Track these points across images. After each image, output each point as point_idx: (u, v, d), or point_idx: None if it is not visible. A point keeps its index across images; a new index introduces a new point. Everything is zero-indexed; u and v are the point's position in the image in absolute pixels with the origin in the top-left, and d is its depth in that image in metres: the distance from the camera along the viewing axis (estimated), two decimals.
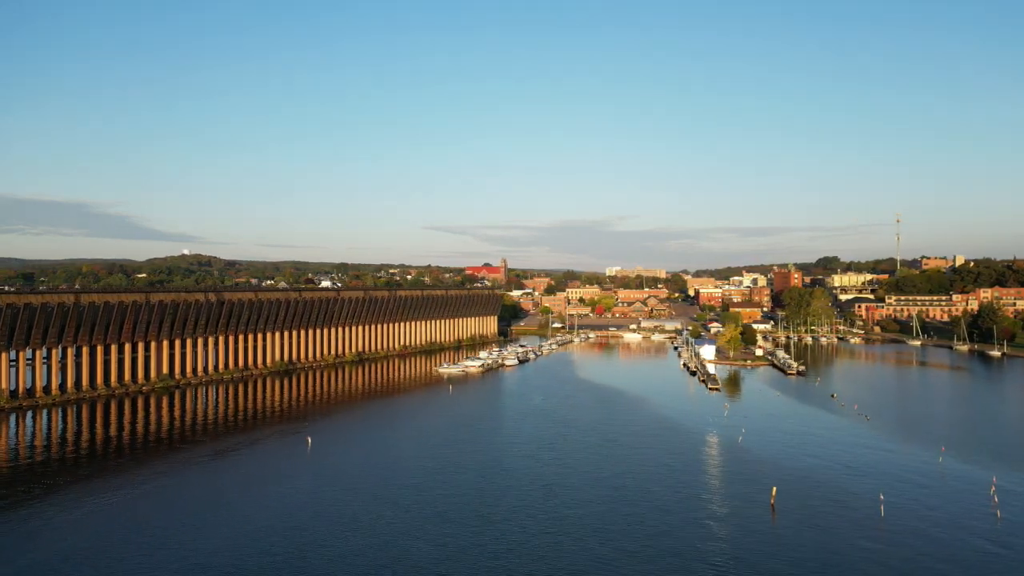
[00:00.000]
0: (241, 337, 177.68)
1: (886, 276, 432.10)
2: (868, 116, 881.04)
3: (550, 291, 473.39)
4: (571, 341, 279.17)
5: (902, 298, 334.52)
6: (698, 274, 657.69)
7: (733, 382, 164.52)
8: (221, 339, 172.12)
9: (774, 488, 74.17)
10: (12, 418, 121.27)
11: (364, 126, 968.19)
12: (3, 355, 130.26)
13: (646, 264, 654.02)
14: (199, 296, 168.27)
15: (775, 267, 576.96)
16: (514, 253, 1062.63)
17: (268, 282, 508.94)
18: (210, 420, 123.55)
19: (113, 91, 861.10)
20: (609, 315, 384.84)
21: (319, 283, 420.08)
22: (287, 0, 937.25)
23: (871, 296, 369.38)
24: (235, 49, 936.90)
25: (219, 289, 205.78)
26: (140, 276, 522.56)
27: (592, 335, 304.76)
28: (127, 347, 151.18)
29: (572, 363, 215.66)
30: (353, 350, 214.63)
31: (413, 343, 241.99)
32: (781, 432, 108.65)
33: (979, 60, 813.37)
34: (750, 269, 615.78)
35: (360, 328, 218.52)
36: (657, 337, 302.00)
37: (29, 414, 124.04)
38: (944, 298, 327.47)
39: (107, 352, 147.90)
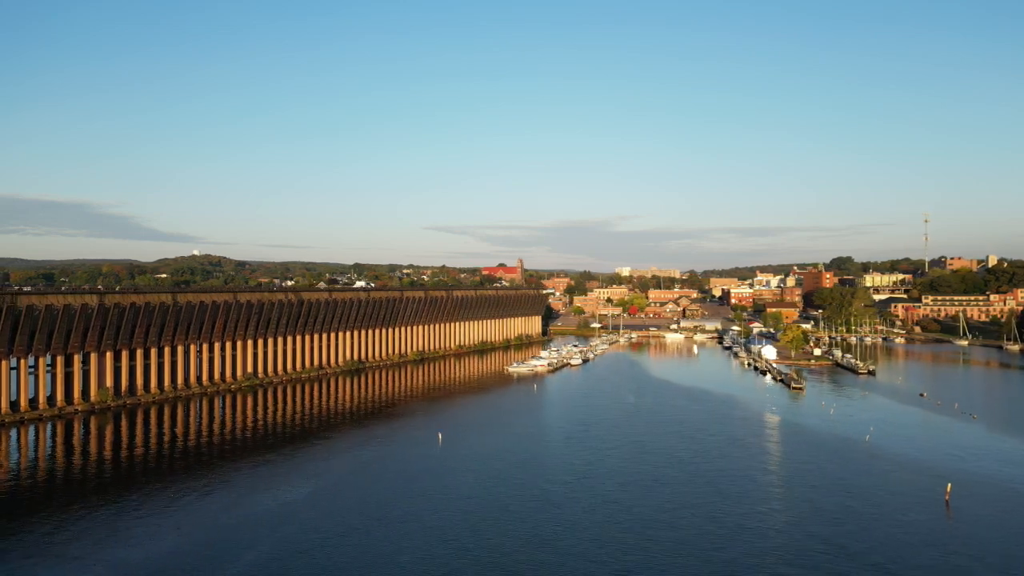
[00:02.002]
0: (317, 337, 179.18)
1: (910, 276, 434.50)
2: (869, 116, 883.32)
3: (570, 291, 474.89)
4: (617, 341, 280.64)
5: (939, 298, 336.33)
6: (705, 274, 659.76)
7: (810, 382, 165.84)
8: (299, 338, 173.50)
9: (949, 484, 75.63)
10: (136, 415, 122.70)
11: (364, 126, 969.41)
12: (108, 354, 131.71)
13: (646, 264, 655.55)
14: (280, 296, 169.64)
15: (795, 267, 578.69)
16: (515, 253, 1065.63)
17: (288, 282, 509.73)
18: (322, 416, 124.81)
19: (113, 92, 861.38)
20: (642, 315, 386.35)
21: (353, 283, 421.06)
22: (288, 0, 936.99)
23: (904, 296, 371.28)
24: (234, 49, 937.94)
25: (296, 290, 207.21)
26: (161, 276, 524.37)
27: (634, 335, 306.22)
28: (216, 346, 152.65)
29: (632, 362, 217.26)
30: (414, 349, 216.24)
31: (467, 343, 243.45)
32: (901, 430, 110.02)
33: (981, 59, 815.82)
34: (763, 270, 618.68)
35: (420, 328, 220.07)
36: (699, 337, 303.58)
37: (141, 411, 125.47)
38: (981, 298, 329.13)
39: (199, 351, 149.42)
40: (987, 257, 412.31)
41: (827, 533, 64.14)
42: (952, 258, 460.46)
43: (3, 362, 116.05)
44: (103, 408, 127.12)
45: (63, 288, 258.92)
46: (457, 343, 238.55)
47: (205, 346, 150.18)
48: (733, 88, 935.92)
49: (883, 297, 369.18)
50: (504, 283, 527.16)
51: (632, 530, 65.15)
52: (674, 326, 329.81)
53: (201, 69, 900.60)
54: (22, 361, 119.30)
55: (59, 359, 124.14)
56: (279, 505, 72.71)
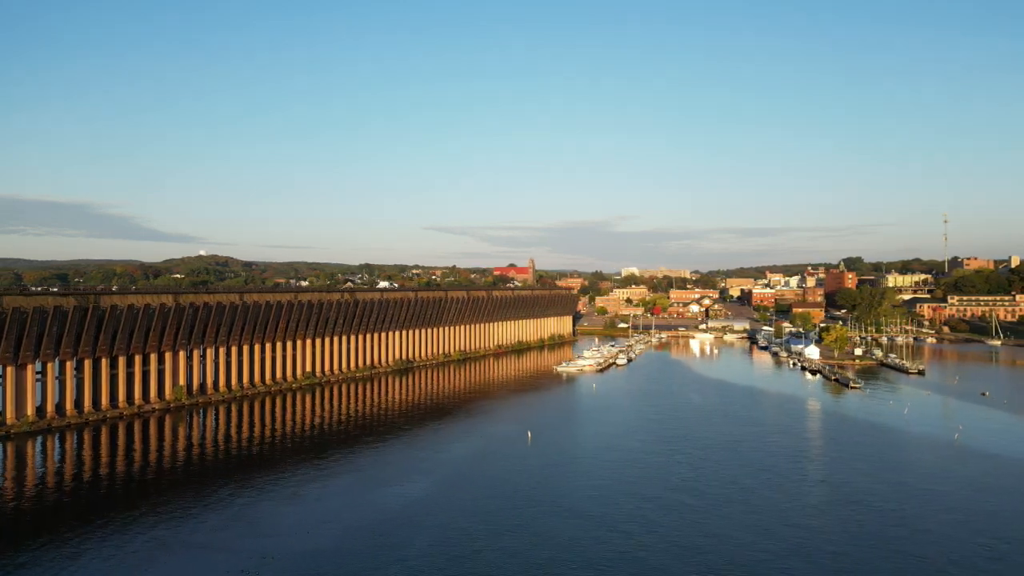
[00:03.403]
0: (368, 336, 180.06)
1: (930, 276, 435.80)
2: (869, 116, 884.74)
3: (584, 292, 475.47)
4: (650, 341, 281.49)
5: (964, 298, 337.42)
6: (711, 274, 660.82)
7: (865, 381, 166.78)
8: (353, 338, 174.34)
9: None
10: (207, 413, 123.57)
11: (364, 126, 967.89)
12: (181, 353, 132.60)
13: (646, 264, 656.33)
14: (337, 296, 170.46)
15: (808, 267, 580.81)
16: (516, 253, 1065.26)
17: (303, 283, 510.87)
18: (400, 412, 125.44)
19: (114, 92, 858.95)
20: (665, 315, 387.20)
21: (369, 284, 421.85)
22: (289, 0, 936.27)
23: (928, 296, 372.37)
24: (234, 49, 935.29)
25: (352, 290, 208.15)
26: (176, 277, 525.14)
27: (663, 335, 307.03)
28: (278, 346, 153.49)
29: (674, 361, 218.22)
30: (457, 349, 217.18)
31: (504, 342, 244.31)
32: (984, 430, 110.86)
33: (981, 57, 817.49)
34: (763, 270, 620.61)
35: (462, 328, 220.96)
36: (729, 337, 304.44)
37: (214, 409, 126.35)
38: (1006, 298, 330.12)
39: (263, 351, 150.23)
40: (1010, 257, 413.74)
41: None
42: (968, 258, 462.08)
43: (85, 361, 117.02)
44: (178, 406, 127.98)
45: (99, 288, 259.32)
46: (496, 343, 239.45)
47: (268, 345, 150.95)
48: (733, 88, 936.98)
49: (907, 297, 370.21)
50: (517, 283, 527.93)
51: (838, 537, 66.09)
52: (703, 326, 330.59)
53: (201, 69, 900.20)
54: (103, 360, 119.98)
55: (137, 358, 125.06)
56: (408, 501, 73.59)
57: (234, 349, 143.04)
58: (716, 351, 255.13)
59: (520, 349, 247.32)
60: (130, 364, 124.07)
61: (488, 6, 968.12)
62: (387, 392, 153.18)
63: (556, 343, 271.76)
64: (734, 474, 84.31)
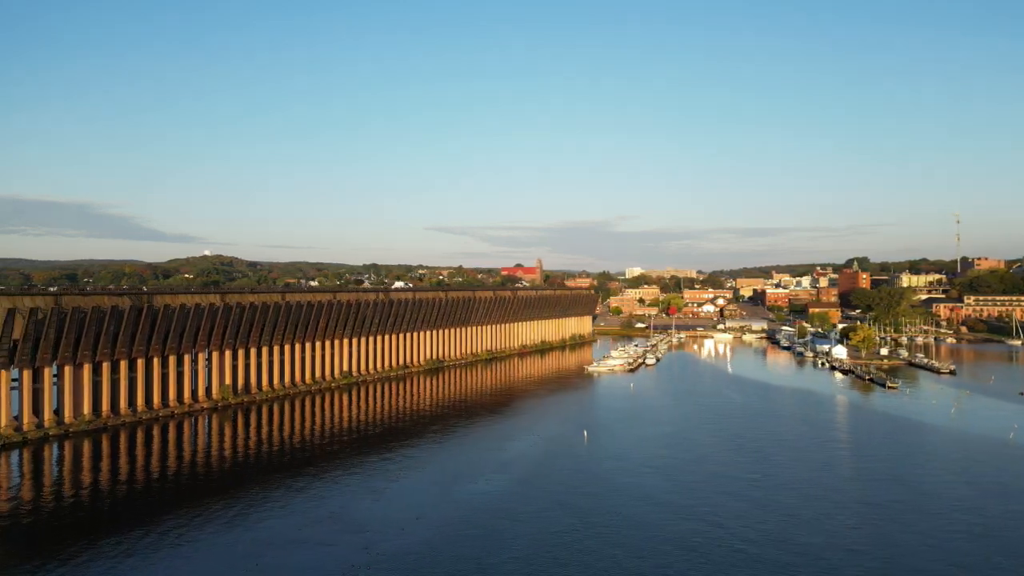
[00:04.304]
0: (401, 336, 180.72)
1: (943, 276, 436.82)
2: (869, 116, 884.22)
3: (594, 291, 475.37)
4: (672, 341, 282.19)
5: (980, 298, 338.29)
6: (714, 274, 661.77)
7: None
8: (387, 338, 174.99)
9: None
10: (250, 412, 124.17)
11: (363, 126, 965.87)
12: (227, 352, 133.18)
13: (647, 265, 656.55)
14: (373, 296, 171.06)
15: (817, 267, 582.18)
16: (516, 254, 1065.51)
17: (312, 283, 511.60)
18: (441, 411, 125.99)
19: (114, 92, 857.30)
20: (680, 315, 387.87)
21: (392, 285, 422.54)
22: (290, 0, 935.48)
23: (943, 296, 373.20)
24: (233, 49, 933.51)
25: (386, 289, 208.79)
26: (186, 277, 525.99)
27: (683, 335, 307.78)
28: (318, 345, 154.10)
29: (700, 361, 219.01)
30: (484, 348, 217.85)
31: (528, 342, 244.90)
32: None
33: (981, 57, 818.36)
34: (765, 270, 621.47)
35: (489, 328, 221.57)
36: (748, 337, 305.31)
37: (256, 408, 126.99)
38: (1023, 298, 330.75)
39: (303, 350, 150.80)
40: (1023, 257, 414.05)
41: None
42: (979, 258, 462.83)
43: (138, 361, 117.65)
44: (224, 405, 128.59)
45: (110, 288, 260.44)
46: (520, 343, 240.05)
47: (308, 345, 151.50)
48: (733, 88, 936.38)
49: (923, 297, 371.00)
50: (525, 283, 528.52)
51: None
52: (721, 326, 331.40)
53: (201, 69, 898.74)
54: (155, 360, 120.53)
55: (186, 357, 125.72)
56: (493, 496, 74.27)
57: (276, 349, 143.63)
58: (738, 351, 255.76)
59: (543, 349, 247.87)
60: (180, 363, 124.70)
61: (488, 6, 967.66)
62: (426, 391, 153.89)
63: (577, 343, 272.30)
64: (815, 475, 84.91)
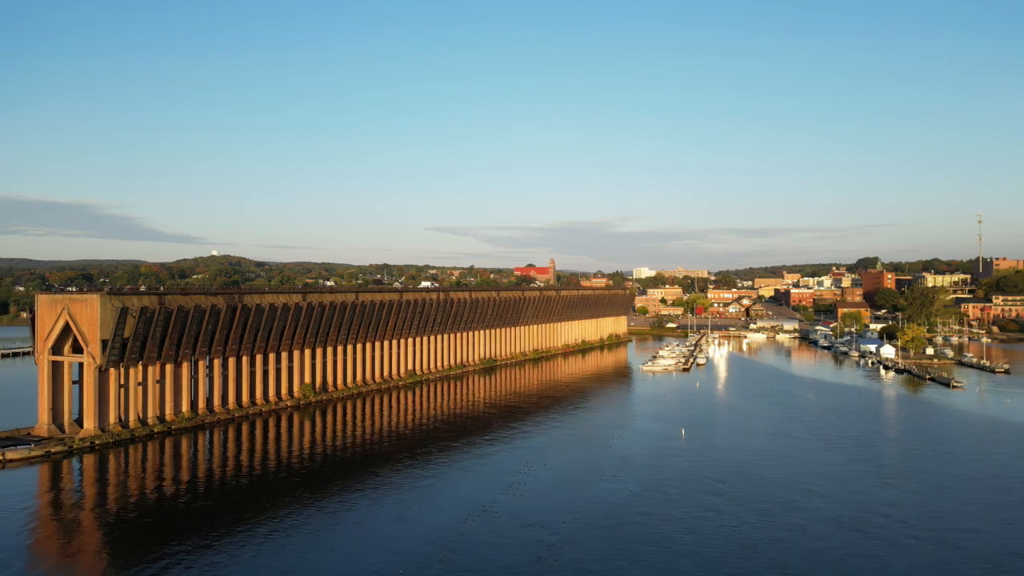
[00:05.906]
0: (458, 336, 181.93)
1: (968, 276, 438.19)
2: (869, 116, 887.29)
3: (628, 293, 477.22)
4: (710, 341, 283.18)
5: (1009, 298, 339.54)
6: (719, 274, 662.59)
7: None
8: (446, 337, 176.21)
9: None
10: (327, 410, 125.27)
11: (363, 126, 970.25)
12: (308, 351, 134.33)
13: (646, 265, 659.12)
14: (434, 296, 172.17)
15: (835, 267, 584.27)
16: (517, 254, 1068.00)
17: (329, 283, 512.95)
18: (519, 409, 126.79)
19: (115, 93, 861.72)
20: (706, 315, 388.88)
21: (418, 285, 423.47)
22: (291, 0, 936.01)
23: (969, 296, 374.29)
24: (233, 49, 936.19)
25: (446, 289, 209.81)
26: (197, 277, 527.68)
27: (716, 335, 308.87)
28: (386, 344, 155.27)
29: (748, 361, 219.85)
30: (532, 348, 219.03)
31: (571, 342, 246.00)
32: None
33: (981, 57, 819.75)
34: (764, 271, 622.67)
35: (534, 328, 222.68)
36: (780, 336, 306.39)
37: (333, 406, 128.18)
38: None
39: (372, 349, 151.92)
40: None
41: None
42: (998, 258, 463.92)
43: (230, 359, 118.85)
44: (305, 404, 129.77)
45: (145, 288, 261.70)
46: (563, 342, 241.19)
47: (376, 344, 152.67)
48: (733, 88, 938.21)
49: (951, 297, 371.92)
50: (539, 283, 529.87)
51: None
52: (753, 326, 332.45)
53: (201, 69, 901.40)
54: (245, 358, 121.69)
55: (271, 356, 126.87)
56: (629, 493, 75.45)
57: (350, 348, 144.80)
58: (778, 351, 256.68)
59: (584, 349, 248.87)
60: (266, 362, 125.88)
61: (488, 6, 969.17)
62: (493, 389, 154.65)
63: (614, 343, 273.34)
64: (934, 475, 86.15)
